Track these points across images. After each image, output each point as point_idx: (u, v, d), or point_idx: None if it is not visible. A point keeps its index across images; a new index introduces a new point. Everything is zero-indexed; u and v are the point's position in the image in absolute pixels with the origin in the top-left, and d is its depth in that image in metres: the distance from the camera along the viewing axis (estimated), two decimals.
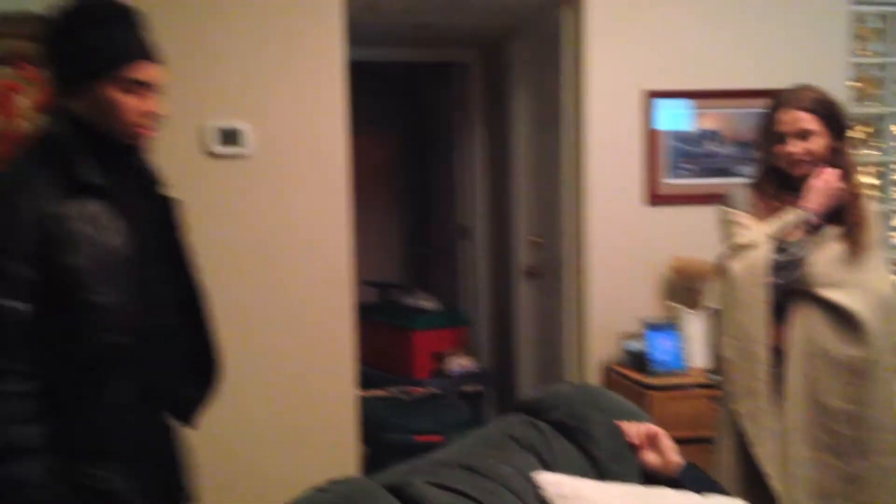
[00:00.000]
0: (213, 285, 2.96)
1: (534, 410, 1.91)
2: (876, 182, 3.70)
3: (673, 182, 3.36)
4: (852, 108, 3.52)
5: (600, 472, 1.74)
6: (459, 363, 4.08)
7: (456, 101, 5.10)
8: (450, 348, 4.17)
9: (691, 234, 3.31)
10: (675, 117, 3.36)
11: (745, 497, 2.20)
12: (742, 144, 3.36)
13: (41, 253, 1.52)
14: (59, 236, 1.53)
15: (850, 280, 2.22)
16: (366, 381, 3.91)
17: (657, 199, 3.37)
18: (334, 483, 1.31)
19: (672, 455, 1.79)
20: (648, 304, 3.37)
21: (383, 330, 4.38)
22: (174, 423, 1.84)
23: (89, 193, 1.58)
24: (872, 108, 3.61)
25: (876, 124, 3.65)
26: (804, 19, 3.43)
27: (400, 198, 6.32)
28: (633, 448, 1.81)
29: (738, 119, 3.38)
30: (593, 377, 3.38)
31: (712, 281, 2.36)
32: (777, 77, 3.39)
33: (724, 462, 2.32)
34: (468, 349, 4.49)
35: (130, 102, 1.60)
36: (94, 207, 1.58)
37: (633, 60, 3.36)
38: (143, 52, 1.62)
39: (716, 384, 2.42)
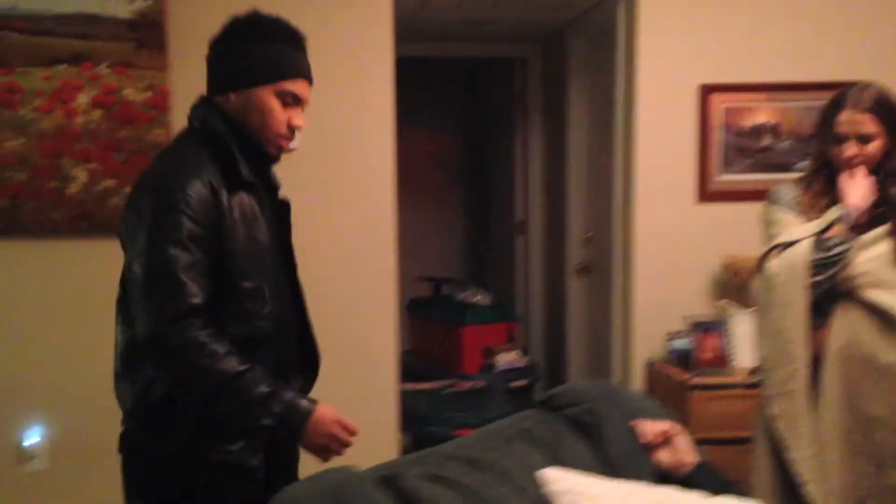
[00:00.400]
0: None
1: (551, 406, 1.91)
2: None
3: (726, 178, 3.27)
4: None
5: (611, 468, 1.73)
6: (508, 358, 4.08)
7: (514, 96, 5.09)
8: (499, 343, 4.17)
9: (744, 231, 3.20)
10: (730, 111, 3.27)
11: (780, 501, 2.14)
12: (800, 138, 3.25)
13: (211, 236, 1.62)
14: (222, 224, 1.63)
15: None
16: (415, 374, 3.96)
17: (709, 195, 3.28)
18: (327, 472, 1.34)
19: (686, 454, 1.77)
20: (697, 303, 3.29)
21: (434, 324, 4.42)
22: None
23: (244, 188, 1.70)
24: None
25: None
26: (868, 9, 3.29)
27: (461, 193, 6.33)
28: (648, 446, 1.79)
29: (797, 113, 3.26)
30: (637, 375, 3.32)
31: (753, 279, 2.28)
32: (837, 70, 3.28)
33: (759, 467, 2.25)
34: (520, 344, 4.48)
35: (282, 114, 1.73)
36: (248, 201, 1.70)
37: (688, 54, 3.28)
38: (304, 71, 1.76)
39: (756, 385, 2.35)
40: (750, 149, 3.26)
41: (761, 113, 3.27)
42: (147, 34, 2.90)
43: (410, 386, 3.58)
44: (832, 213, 2.12)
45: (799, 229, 2.16)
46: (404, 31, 3.28)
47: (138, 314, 1.58)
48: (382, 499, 1.29)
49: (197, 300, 1.56)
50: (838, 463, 2.12)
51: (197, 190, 1.61)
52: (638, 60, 3.28)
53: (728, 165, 3.26)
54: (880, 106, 2.12)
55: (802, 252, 2.11)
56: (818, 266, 2.10)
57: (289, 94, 1.72)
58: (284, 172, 3.05)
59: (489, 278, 5.61)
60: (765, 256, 2.19)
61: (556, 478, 1.58)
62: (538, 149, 4.97)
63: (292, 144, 1.79)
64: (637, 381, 3.35)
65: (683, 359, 3.08)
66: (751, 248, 3.15)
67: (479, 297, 4.37)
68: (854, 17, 3.28)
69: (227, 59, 1.74)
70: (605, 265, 3.71)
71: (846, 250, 2.08)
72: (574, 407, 1.87)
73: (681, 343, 3.13)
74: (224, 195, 1.65)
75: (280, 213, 1.86)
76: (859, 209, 2.10)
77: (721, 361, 3.00)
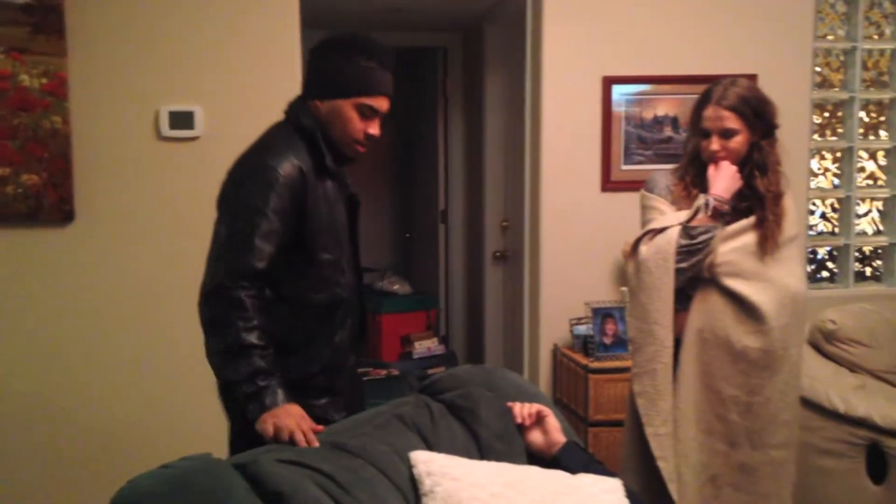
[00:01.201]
0: (168, 265, 3.09)
1: (431, 392, 1.95)
2: (836, 168, 3.67)
3: (628, 168, 3.36)
4: (816, 94, 3.49)
5: (483, 450, 1.78)
6: (426, 346, 4.12)
7: (437, 85, 5.12)
8: (418, 331, 4.21)
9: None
10: (632, 103, 3.35)
11: (641, 475, 2.23)
12: None
13: (293, 211, 1.87)
14: (305, 203, 1.89)
15: (758, 273, 2.20)
16: None
17: (612, 184, 3.37)
18: (182, 460, 1.35)
19: (556, 434, 1.83)
20: (602, 289, 3.38)
21: None
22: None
23: (327, 175, 1.97)
24: (836, 94, 3.56)
25: (840, 109, 3.60)
26: (768, 4, 3.40)
27: (389, 182, 6.35)
28: (521, 427, 1.85)
29: None
30: (545, 359, 3.41)
31: (627, 263, 2.34)
32: (739, 62, 3.39)
33: (626, 441, 2.35)
34: (438, 332, 4.52)
35: (359, 124, 1.97)
36: (331, 187, 1.98)
37: (591, 46, 3.35)
38: (386, 89, 1.99)
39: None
40: (651, 140, 3.36)
41: (661, 105, 3.36)
42: (43, 19, 2.84)
43: None
44: (699, 202, 2.20)
45: (669, 217, 2.24)
46: (325, 18, 3.27)
47: (210, 266, 1.85)
48: (233, 485, 1.31)
49: (261, 265, 1.80)
50: (693, 440, 2.21)
51: (287, 170, 1.86)
52: (544, 52, 3.33)
53: (630, 156, 3.35)
54: (742, 104, 2.19)
55: (670, 239, 2.18)
56: (683, 253, 2.17)
57: (367, 108, 1.96)
58: (202, 168, 3.06)
59: (415, 267, 5.65)
60: (637, 242, 2.27)
61: (423, 460, 1.62)
62: (459, 138, 5.02)
63: (365, 149, 2.03)
64: (544, 366, 3.43)
65: (585, 343, 3.17)
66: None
67: (398, 286, 4.40)
68: (749, 13, 3.39)
69: (319, 71, 1.99)
70: (516, 252, 3.78)
71: (710, 239, 2.16)
72: (452, 392, 1.92)
73: (583, 328, 3.21)
74: (311, 178, 1.91)
75: (351, 207, 2.10)
76: (720, 199, 2.18)
77: (621, 346, 3.10)
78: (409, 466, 1.63)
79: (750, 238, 2.21)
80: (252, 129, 3.10)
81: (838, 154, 3.64)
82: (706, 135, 2.23)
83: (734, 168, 2.20)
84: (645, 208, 2.34)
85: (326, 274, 1.94)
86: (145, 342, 3.07)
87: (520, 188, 3.65)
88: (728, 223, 2.21)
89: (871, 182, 3.73)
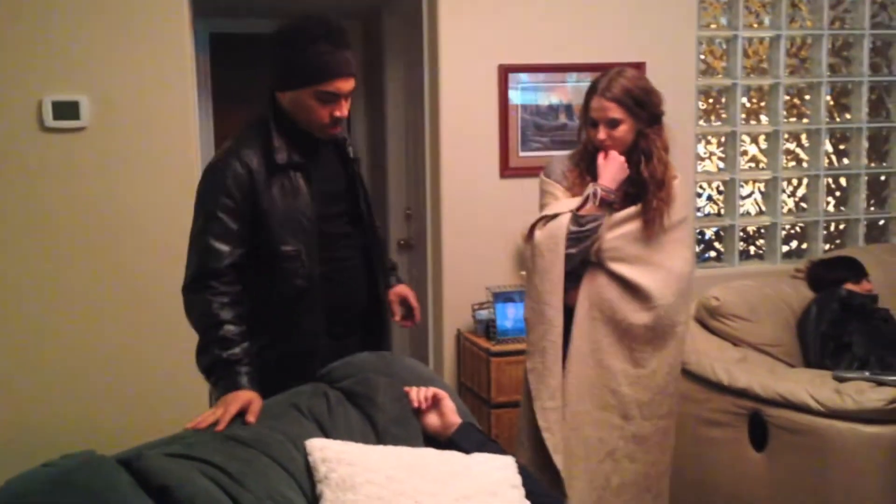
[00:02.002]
0: (51, 259, 2.98)
1: (329, 380, 1.97)
2: (720, 152, 3.85)
3: (525, 155, 3.43)
4: (700, 80, 3.64)
5: (380, 435, 1.81)
6: None
7: None
8: None
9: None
10: (528, 91, 3.42)
11: (533, 449, 2.33)
12: None
13: (245, 209, 1.96)
14: (258, 199, 1.97)
15: (643, 257, 2.32)
16: None
17: (511, 171, 3.44)
18: (63, 457, 1.33)
19: (452, 416, 1.87)
20: (503, 274, 3.45)
21: None
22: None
23: (286, 167, 2.01)
24: (720, 80, 3.73)
25: (723, 95, 3.78)
26: None
27: None
28: (417, 411, 1.88)
29: None
30: (449, 345, 3.46)
31: (524, 246, 2.44)
32: (628, 51, 3.50)
33: (521, 417, 2.45)
34: None
35: (322, 110, 1.98)
36: (291, 179, 2.01)
37: (487, 35, 3.40)
38: (340, 71, 1.97)
39: None
40: (546, 127, 3.44)
41: (556, 93, 3.45)
42: None
43: None
44: (588, 190, 2.30)
45: (562, 204, 2.35)
46: (223, 6, 3.20)
47: (187, 262, 1.99)
48: (118, 481, 1.30)
49: (219, 264, 1.92)
50: (588, 415, 2.33)
51: (236, 170, 1.95)
52: (441, 41, 3.36)
53: (527, 142, 3.42)
54: (625, 94, 2.29)
55: (561, 225, 2.29)
56: (572, 239, 2.28)
57: (326, 94, 1.96)
58: (89, 160, 2.97)
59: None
60: (533, 227, 2.36)
61: (318, 447, 1.64)
62: (360, 127, 5.00)
63: (339, 129, 2.08)
64: (448, 351, 3.49)
65: (487, 328, 3.24)
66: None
67: None
68: (637, 3, 3.50)
69: (275, 65, 2.02)
70: (421, 240, 3.81)
71: (597, 227, 2.28)
72: (349, 379, 1.94)
73: (485, 313, 3.28)
74: (262, 176, 1.97)
75: (352, 180, 2.17)
76: (606, 189, 2.29)
77: (520, 329, 3.17)
78: (305, 455, 1.64)
79: (635, 225, 2.32)
80: (141, 118, 3.05)
81: (722, 138, 3.81)
82: (594, 124, 2.33)
83: (622, 158, 2.30)
84: (542, 193, 2.45)
85: (286, 266, 2.00)
86: (34, 342, 2.97)
87: (421, 176, 3.68)
88: (617, 210, 2.31)
89: (753, 165, 3.93)
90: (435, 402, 1.89)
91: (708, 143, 3.87)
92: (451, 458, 1.68)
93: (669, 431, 2.40)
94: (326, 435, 1.74)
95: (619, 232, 2.32)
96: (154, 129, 3.05)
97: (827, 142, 3.87)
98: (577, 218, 2.28)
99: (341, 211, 2.14)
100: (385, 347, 2.26)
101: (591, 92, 2.34)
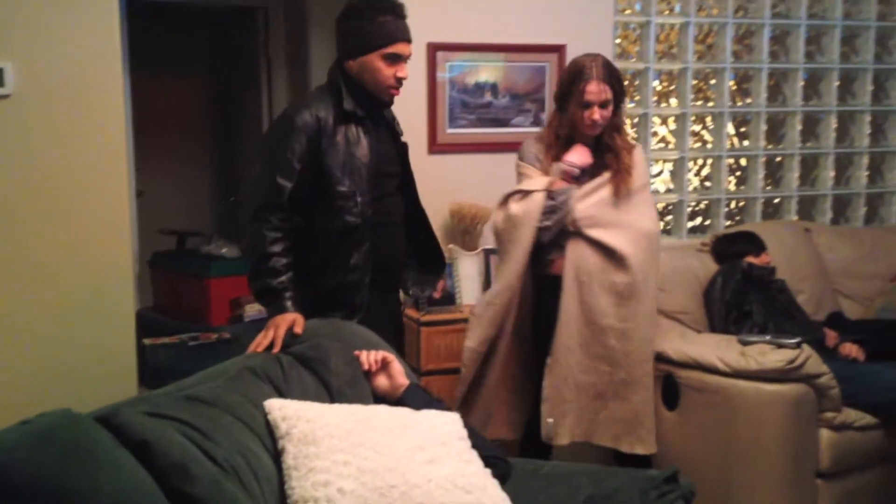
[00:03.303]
0: None
1: (285, 343, 2.03)
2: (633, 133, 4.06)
3: (452, 132, 3.54)
4: (616, 63, 3.82)
5: (333, 396, 1.90)
6: (257, 309, 4.13)
7: (258, 47, 5.05)
8: (248, 294, 4.20)
9: (468, 180, 3.52)
10: (455, 69, 3.52)
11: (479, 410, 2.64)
12: (515, 96, 3.59)
13: (311, 151, 2.28)
14: (320, 144, 2.29)
15: (615, 220, 2.63)
16: (158, 329, 3.90)
17: (438, 147, 3.54)
18: (40, 416, 1.36)
19: (400, 378, 1.98)
20: None
21: (180, 278, 4.35)
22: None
23: (351, 120, 2.33)
24: (633, 64, 3.93)
25: (637, 78, 3.98)
26: None
27: (209, 144, 6.19)
28: (367, 373, 1.98)
29: (512, 72, 3.59)
30: None
31: (496, 217, 2.73)
32: (550, 33, 3.65)
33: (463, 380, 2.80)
34: None
35: (387, 70, 2.32)
36: (353, 129, 2.34)
37: (416, 12, 3.44)
38: (403, 36, 2.34)
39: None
40: (473, 104, 3.55)
41: (482, 72, 3.56)
42: None
43: (151, 341, 3.53)
44: (557, 168, 2.65)
45: (535, 181, 2.66)
46: None
47: (248, 198, 2.33)
48: (99, 436, 1.34)
49: (282, 199, 2.25)
50: (578, 365, 2.64)
51: (304, 118, 2.28)
52: None
53: (454, 119, 3.53)
54: (613, 77, 2.61)
55: (536, 200, 2.61)
56: (546, 212, 2.60)
57: (392, 56, 2.31)
58: (15, 128, 2.88)
59: (240, 230, 5.57)
60: (507, 197, 2.68)
61: (277, 406, 1.71)
62: (284, 100, 4.99)
63: (399, 91, 2.40)
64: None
65: (416, 299, 3.33)
66: (474, 197, 3.48)
67: (226, 250, 4.36)
68: None
69: (345, 35, 2.36)
70: None
71: (567, 199, 2.59)
72: (301, 344, 2.01)
73: None
74: (329, 123, 2.29)
75: (401, 152, 2.54)
76: (573, 165, 2.62)
77: (448, 300, 3.29)
78: (265, 414, 1.72)
79: (605, 192, 2.64)
80: (69, 85, 2.99)
81: (636, 120, 4.02)
82: (587, 106, 2.59)
83: (588, 150, 2.65)
84: (518, 173, 2.76)
85: (340, 204, 2.30)
86: None
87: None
88: (584, 183, 2.64)
89: (663, 145, 4.15)
90: (384, 365, 1.99)
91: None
92: (403, 414, 1.78)
93: (650, 373, 2.72)
94: (282, 396, 1.82)
95: (591, 201, 2.62)
96: (81, 97, 2.99)
97: (730, 124, 4.13)
98: (550, 193, 2.59)
99: (393, 172, 2.47)
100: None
101: (580, 77, 2.59)
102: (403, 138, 2.64)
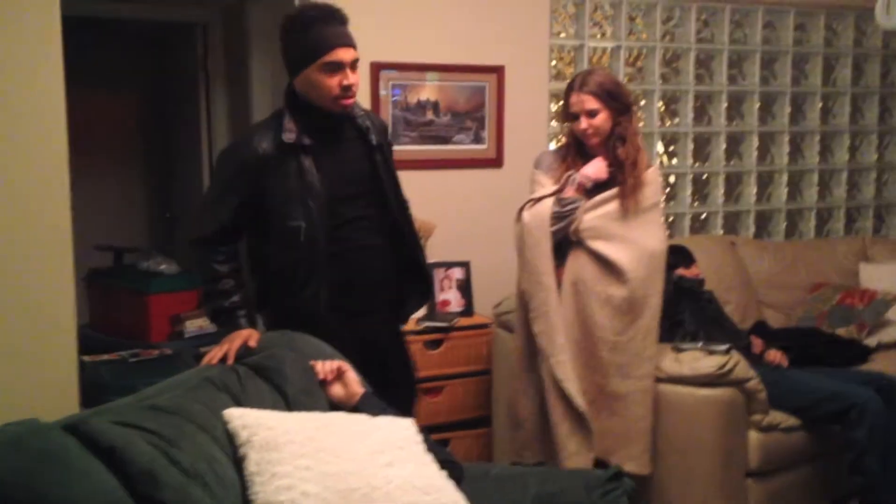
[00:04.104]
0: None
1: (239, 356, 2.07)
2: None
3: (397, 149, 3.59)
4: (552, 84, 3.97)
5: (290, 405, 1.94)
6: (198, 325, 4.11)
7: (196, 63, 5.04)
8: (188, 310, 4.18)
9: (411, 196, 3.56)
10: (398, 87, 3.60)
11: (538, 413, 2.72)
12: (456, 114, 3.69)
13: (248, 185, 2.22)
14: (266, 177, 2.21)
15: (620, 234, 2.66)
16: (96, 346, 3.84)
17: None
18: (7, 425, 1.37)
19: (355, 386, 2.03)
20: None
21: (118, 295, 4.29)
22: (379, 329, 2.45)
23: (295, 148, 2.21)
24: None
25: None
26: (513, 3, 3.81)
27: (145, 160, 6.11)
28: (323, 382, 2.03)
29: (453, 91, 3.69)
30: None
31: (515, 226, 2.76)
32: (490, 55, 3.78)
33: (516, 392, 2.81)
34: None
35: (330, 80, 2.18)
36: (298, 158, 2.22)
37: (359, 33, 3.52)
38: (337, 42, 2.19)
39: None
40: (415, 122, 3.64)
41: (424, 91, 3.66)
42: None
43: (90, 358, 3.48)
44: (570, 177, 2.69)
45: (547, 189, 2.71)
46: None
47: (191, 224, 2.42)
48: (68, 443, 1.36)
49: (211, 228, 2.25)
50: (573, 373, 2.66)
51: (244, 152, 2.23)
52: None
53: (397, 137, 3.61)
54: (599, 88, 2.65)
55: (546, 206, 2.66)
56: (555, 218, 2.65)
57: (330, 65, 2.17)
58: None
59: (178, 246, 5.51)
60: (521, 209, 2.72)
61: (237, 415, 1.75)
62: (223, 116, 4.99)
63: (352, 99, 2.26)
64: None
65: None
66: (417, 212, 3.54)
67: (166, 266, 4.32)
68: (496, 11, 3.77)
69: (285, 54, 2.25)
70: None
71: (575, 208, 2.64)
72: (256, 355, 2.05)
73: None
74: (271, 156, 2.20)
75: (372, 157, 2.35)
76: (585, 177, 2.66)
77: None
78: (224, 423, 1.75)
79: (613, 206, 2.67)
80: (9, 102, 2.94)
81: None
82: (575, 117, 2.68)
83: (605, 164, 2.69)
84: (532, 182, 2.80)
85: (289, 239, 2.23)
86: None
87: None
88: (593, 196, 2.67)
89: None
90: (339, 374, 2.04)
91: (559, 141, 4.21)
92: (360, 420, 1.84)
93: (649, 391, 2.71)
94: (240, 405, 1.85)
95: (597, 213, 2.65)
96: (22, 114, 2.96)
97: (659, 143, 4.32)
98: (559, 200, 2.64)
99: (357, 193, 2.33)
100: (396, 332, 2.53)
101: (569, 90, 2.69)
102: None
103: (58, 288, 3.07)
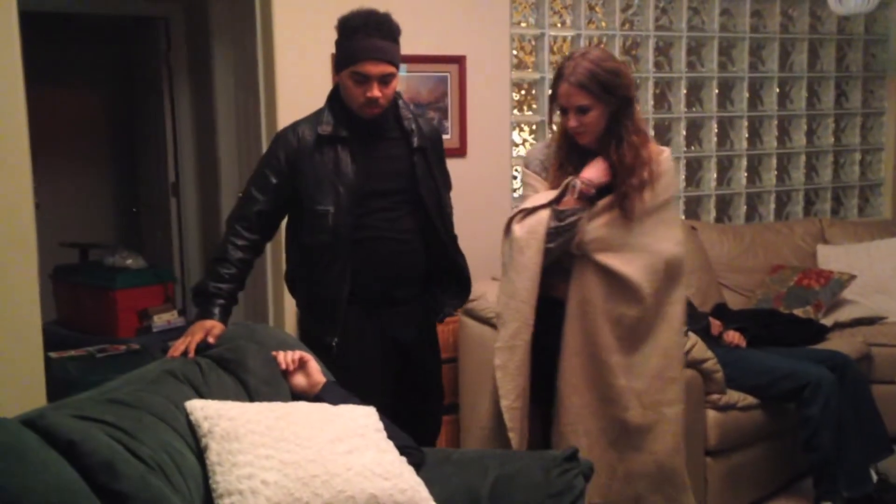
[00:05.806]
0: None
1: (197, 349, 2.09)
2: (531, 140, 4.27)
3: None
4: (514, 73, 4.01)
5: (252, 395, 1.97)
6: (165, 319, 4.12)
7: (160, 57, 5.02)
8: (156, 305, 4.19)
9: None
10: None
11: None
12: (419, 105, 3.72)
13: (289, 170, 2.36)
14: (299, 164, 2.36)
15: (627, 243, 2.25)
16: (62, 342, 3.84)
17: None
18: None
19: (317, 376, 2.07)
20: None
21: (84, 291, 4.29)
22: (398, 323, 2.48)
23: (332, 140, 2.36)
24: (530, 74, 4.13)
25: (533, 87, 4.18)
26: None
27: (109, 155, 6.08)
28: (285, 373, 2.06)
29: (416, 82, 3.72)
30: (290, 317, 3.60)
31: (503, 240, 2.36)
32: (451, 45, 3.80)
33: (488, 417, 2.38)
34: (177, 305, 4.52)
35: (355, 90, 2.31)
36: (336, 150, 2.35)
37: (323, 25, 3.53)
38: (368, 56, 2.27)
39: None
40: None
41: None
42: None
43: (57, 354, 3.49)
44: (566, 183, 2.27)
45: (540, 196, 2.28)
46: None
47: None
48: (28, 437, 1.38)
49: (249, 210, 2.37)
50: (587, 408, 2.27)
51: (286, 136, 2.39)
52: (275, 30, 3.48)
53: None
54: (591, 80, 2.18)
55: (541, 220, 2.23)
56: (552, 234, 2.22)
57: (356, 75, 2.28)
58: None
59: (145, 241, 5.51)
60: (511, 220, 2.32)
61: (199, 406, 1.78)
62: (187, 110, 4.98)
63: (377, 110, 2.33)
64: (290, 324, 3.63)
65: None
66: None
67: (132, 261, 4.32)
68: (461, 1, 3.80)
69: (336, 52, 2.37)
70: None
71: (577, 221, 2.23)
72: (218, 347, 2.07)
73: None
74: (310, 143, 2.35)
75: (411, 158, 2.43)
76: (588, 183, 2.24)
77: None
78: (186, 414, 1.78)
79: (617, 212, 2.25)
80: None
81: (534, 126, 4.23)
82: (564, 111, 2.25)
83: (606, 164, 2.27)
84: (523, 184, 2.50)
85: (316, 222, 2.34)
86: None
87: (256, 161, 3.77)
88: (595, 201, 2.27)
89: None
90: (301, 364, 2.07)
91: (521, 130, 4.27)
92: (321, 409, 1.88)
93: (677, 419, 2.32)
94: (202, 397, 1.88)
95: (600, 221, 2.25)
96: None
97: None
98: (557, 213, 2.23)
99: (392, 189, 2.41)
100: (429, 327, 2.56)
101: (558, 78, 2.24)
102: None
103: (22, 285, 3.08)
